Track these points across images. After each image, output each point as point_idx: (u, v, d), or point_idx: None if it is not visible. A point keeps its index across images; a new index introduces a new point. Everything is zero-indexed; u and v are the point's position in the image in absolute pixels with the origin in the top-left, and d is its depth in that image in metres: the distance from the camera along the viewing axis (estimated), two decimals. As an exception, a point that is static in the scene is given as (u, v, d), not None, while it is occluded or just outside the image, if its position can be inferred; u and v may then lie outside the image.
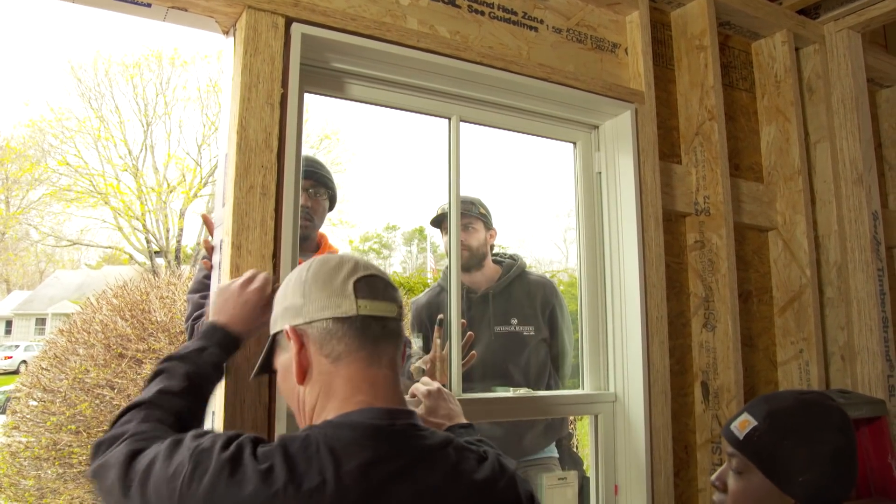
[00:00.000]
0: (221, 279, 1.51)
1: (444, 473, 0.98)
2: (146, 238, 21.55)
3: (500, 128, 2.03)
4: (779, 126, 2.59)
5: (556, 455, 2.55)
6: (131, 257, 22.53)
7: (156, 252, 21.30)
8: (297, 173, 1.59)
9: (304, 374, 1.06)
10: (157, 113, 21.69)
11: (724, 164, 2.30)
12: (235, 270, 1.46)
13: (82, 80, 21.21)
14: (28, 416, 6.24)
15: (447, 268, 2.40)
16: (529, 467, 2.42)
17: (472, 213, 2.50)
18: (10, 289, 34.66)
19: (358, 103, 1.81)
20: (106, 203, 21.08)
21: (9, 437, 6.42)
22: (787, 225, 2.54)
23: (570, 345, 2.53)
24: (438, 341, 1.97)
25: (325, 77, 1.74)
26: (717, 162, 2.30)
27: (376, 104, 1.82)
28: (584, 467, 2.60)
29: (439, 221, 2.41)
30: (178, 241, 21.64)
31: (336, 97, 1.76)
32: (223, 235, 1.52)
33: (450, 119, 1.93)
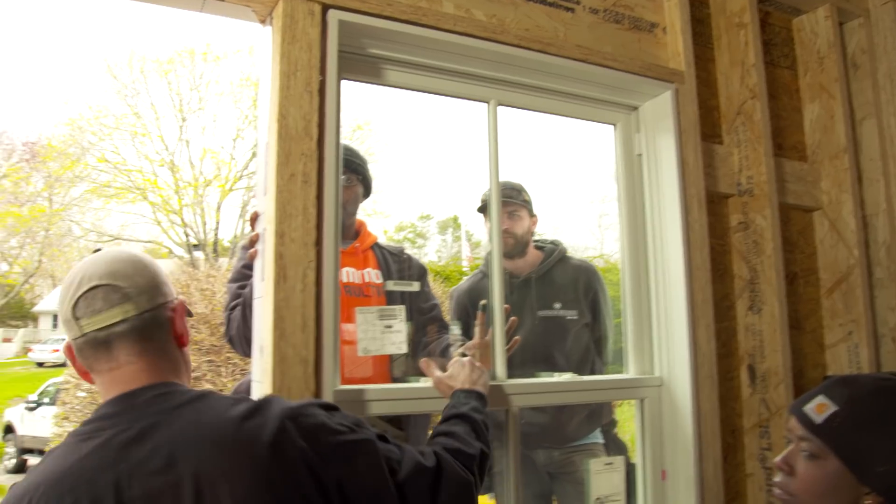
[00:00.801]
0: (265, 267, 1.52)
1: (187, 421, 1.06)
2: (184, 232, 21.87)
3: (538, 111, 2.01)
4: (822, 103, 2.52)
5: (601, 441, 2.54)
6: (170, 251, 22.89)
7: (194, 245, 21.61)
8: (338, 161, 1.59)
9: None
10: (191, 108, 21.96)
11: (767, 143, 2.25)
12: (279, 258, 1.46)
13: (118, 77, 21.54)
14: (77, 407, 6.38)
15: (489, 253, 2.38)
16: (574, 453, 2.42)
17: (517, 201, 2.48)
18: (56, 284, 35.42)
19: (392, 91, 1.81)
20: (144, 198, 21.44)
21: (60, 426, 6.58)
22: (833, 204, 2.48)
23: (612, 330, 2.51)
24: (480, 328, 1.96)
25: (362, 64, 1.73)
26: (759, 141, 2.25)
27: (414, 90, 1.81)
28: (629, 453, 2.58)
29: (485, 208, 2.40)
30: (216, 234, 21.93)
31: (373, 84, 1.76)
32: (266, 224, 1.52)
33: (488, 103, 1.91)
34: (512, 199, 2.48)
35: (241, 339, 1.97)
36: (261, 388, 1.50)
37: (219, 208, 22.35)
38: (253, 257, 1.63)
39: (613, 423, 2.78)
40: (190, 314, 1.29)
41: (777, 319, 2.17)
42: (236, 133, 22.33)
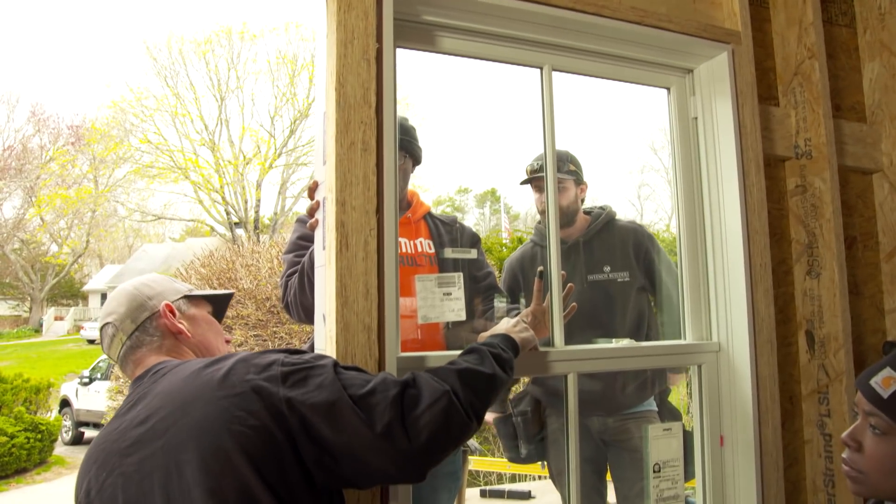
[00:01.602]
0: (326, 236, 1.54)
1: (166, 382, 1.29)
2: (226, 210, 22.19)
3: (592, 76, 1.98)
4: (883, 62, 2.45)
5: (655, 408, 2.53)
6: (212, 229, 23.26)
7: (235, 223, 21.94)
8: (395, 129, 1.60)
9: None
10: (229, 87, 22.19)
11: (826, 104, 2.19)
12: (341, 227, 1.47)
13: (157, 59, 21.83)
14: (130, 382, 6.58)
15: (539, 222, 2.38)
16: (629, 420, 2.42)
17: (562, 172, 2.46)
18: (103, 263, 36.36)
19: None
20: (186, 178, 21.79)
21: (114, 400, 6.79)
22: (894, 166, 2.41)
23: (677, 287, 2.49)
24: (537, 294, 1.96)
25: (417, 31, 1.73)
26: (818, 102, 2.19)
27: (468, 56, 1.80)
28: (682, 420, 2.57)
29: (531, 180, 2.39)
30: (257, 212, 22.21)
31: (428, 51, 1.75)
32: (326, 192, 1.54)
33: (541, 69, 1.90)
34: (559, 171, 2.46)
35: (297, 306, 2.01)
36: (310, 349, 1.53)
37: (259, 186, 22.62)
38: (314, 227, 1.65)
39: (667, 391, 2.78)
40: (173, 312, 1.50)
41: (836, 284, 2.13)
42: (274, 111, 22.51)
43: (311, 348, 2.02)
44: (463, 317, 1.80)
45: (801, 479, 2.15)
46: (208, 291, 1.64)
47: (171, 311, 1.49)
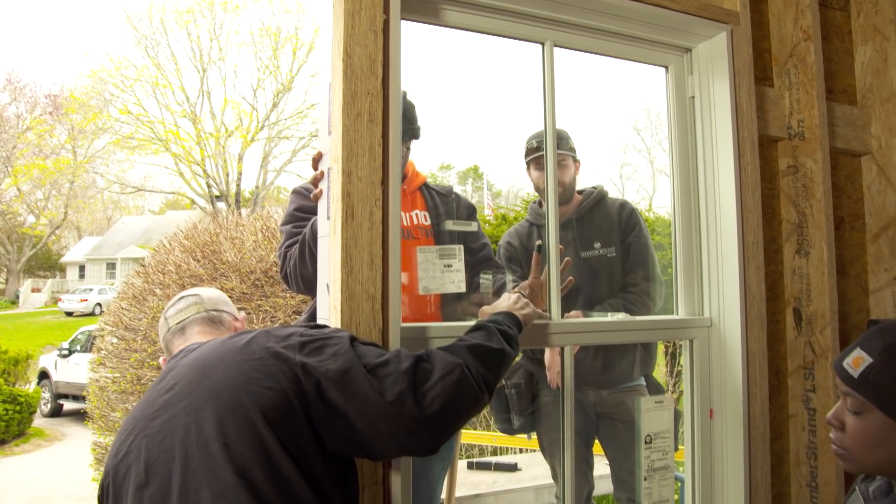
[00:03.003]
0: (331, 206, 1.55)
1: (192, 357, 1.35)
2: (207, 183, 21.99)
3: (592, 52, 2.00)
4: (875, 46, 2.48)
5: (644, 383, 2.58)
6: (193, 202, 23.06)
7: (216, 196, 21.77)
8: (400, 101, 1.60)
9: None
10: (211, 58, 21.91)
11: (819, 86, 2.23)
12: (346, 197, 1.49)
13: (138, 28, 21.47)
14: (113, 353, 6.53)
15: (534, 202, 2.40)
16: (624, 394, 2.47)
17: (564, 150, 2.49)
18: (81, 235, 35.97)
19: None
20: (167, 150, 21.56)
21: (96, 372, 6.75)
22: (882, 149, 2.46)
23: (655, 269, 2.53)
24: (535, 268, 1.99)
25: (422, 3, 1.73)
26: (812, 84, 2.22)
27: (472, 30, 1.81)
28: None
29: (535, 157, 2.41)
30: (238, 185, 22.04)
31: (433, 24, 1.75)
32: (332, 163, 1.54)
33: (543, 44, 1.91)
34: (559, 149, 2.48)
35: (296, 276, 2.02)
36: (328, 324, 1.54)
37: (240, 159, 22.43)
38: (318, 197, 1.66)
39: (651, 367, 2.83)
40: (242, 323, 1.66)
41: (825, 263, 2.18)
42: (257, 83, 22.26)
43: (309, 319, 2.04)
44: (463, 288, 1.82)
45: (784, 451, 2.21)
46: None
47: (242, 323, 1.65)
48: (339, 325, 1.48)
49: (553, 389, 2.42)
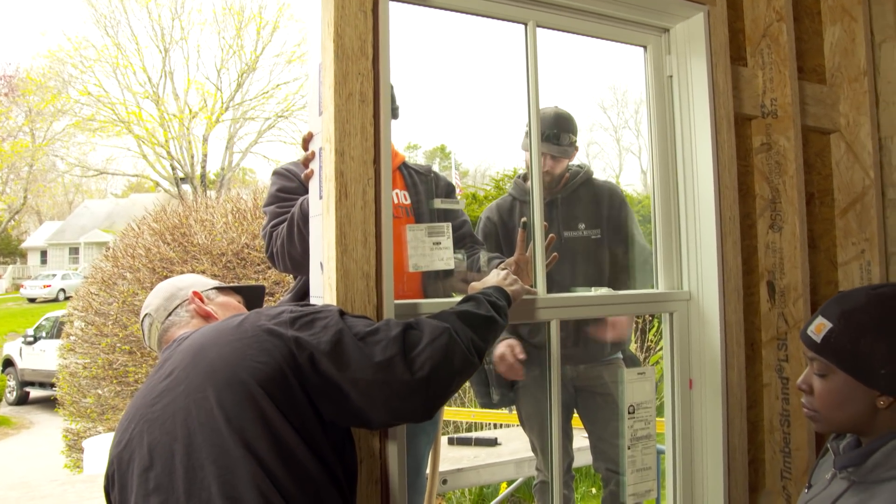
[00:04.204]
0: (323, 185, 1.57)
1: (188, 343, 1.37)
2: (171, 165, 21.66)
3: (573, 32, 2.03)
4: (844, 26, 2.55)
5: (621, 357, 2.65)
6: (157, 185, 22.69)
7: (181, 178, 21.46)
8: (390, 81, 1.62)
9: None
10: (173, 38, 21.49)
11: (792, 65, 2.29)
12: (340, 176, 1.51)
13: (96, 7, 20.95)
14: (83, 339, 6.46)
15: (520, 175, 2.44)
16: (602, 367, 2.53)
17: (564, 144, 2.51)
18: (42, 220, 35.23)
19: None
20: (129, 131, 21.16)
21: (65, 358, 6.68)
22: (850, 127, 2.53)
23: (640, 250, 2.58)
24: (520, 244, 2.03)
25: (409, -16, 1.75)
26: (785, 64, 2.29)
27: (457, 10, 1.83)
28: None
29: (549, 138, 2.45)
30: (203, 167, 21.74)
31: (419, 5, 1.77)
32: (324, 143, 1.56)
33: (526, 25, 1.94)
34: (560, 144, 2.51)
35: (283, 256, 2.03)
36: (322, 302, 1.57)
37: (205, 140, 22.12)
38: (309, 177, 1.67)
39: (627, 341, 2.91)
40: (201, 299, 1.61)
41: (797, 237, 2.26)
42: (221, 63, 21.92)
43: (293, 299, 2.06)
44: (452, 265, 1.86)
45: (759, 419, 2.30)
46: (238, 284, 1.77)
47: (200, 298, 1.60)
48: (334, 303, 1.51)
49: (532, 369, 2.48)
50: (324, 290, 1.56)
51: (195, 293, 1.60)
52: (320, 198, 1.59)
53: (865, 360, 1.28)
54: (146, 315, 1.61)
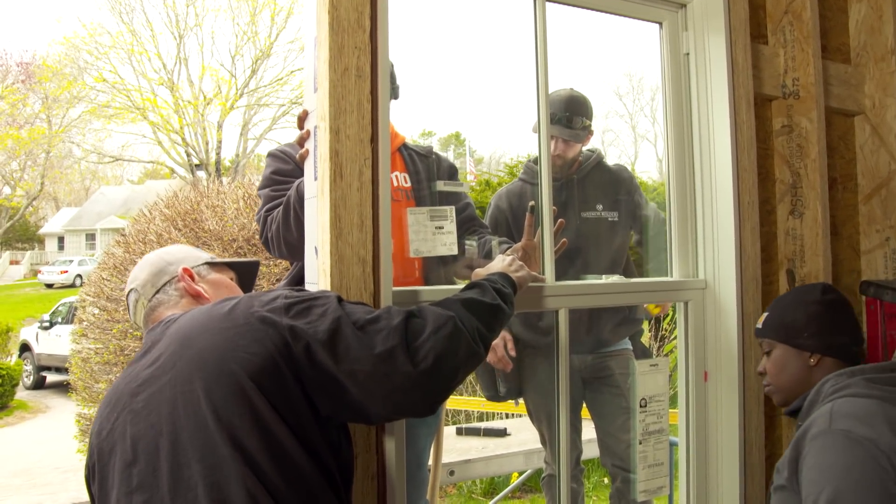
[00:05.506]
0: (318, 165, 1.49)
1: (176, 326, 1.30)
2: (186, 151, 21.72)
3: (586, 7, 1.94)
4: (870, 3, 2.43)
5: (630, 347, 2.57)
6: (173, 171, 22.77)
7: (196, 165, 21.52)
8: (388, 56, 1.54)
9: None
10: (188, 25, 21.49)
11: (815, 43, 2.18)
12: (335, 156, 1.43)
13: (111, -7, 20.98)
14: (95, 324, 6.45)
15: (532, 159, 2.35)
16: (609, 358, 2.45)
17: (577, 129, 2.43)
18: (59, 206, 35.53)
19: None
20: (144, 118, 21.22)
21: (78, 343, 6.67)
22: (876, 109, 2.42)
23: (653, 234, 2.50)
24: (528, 229, 1.94)
25: (410, -46, 1.66)
26: (808, 42, 2.18)
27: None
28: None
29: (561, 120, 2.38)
30: (218, 154, 21.78)
31: (421, -24, 1.69)
32: (318, 121, 1.48)
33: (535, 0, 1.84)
34: (572, 128, 2.42)
35: (278, 241, 1.95)
36: (317, 289, 1.50)
37: (220, 127, 22.16)
38: (304, 157, 1.60)
39: (641, 332, 2.82)
40: (192, 276, 1.51)
41: (819, 224, 2.16)
42: (235, 50, 21.92)
43: (291, 284, 1.99)
44: (455, 251, 1.78)
45: (776, 414, 2.20)
46: (232, 259, 1.67)
47: (190, 275, 1.50)
48: (328, 289, 1.43)
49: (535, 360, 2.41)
50: (318, 276, 1.49)
51: (185, 270, 1.50)
52: (315, 179, 1.51)
53: (791, 328, 1.64)
54: (132, 290, 1.52)
